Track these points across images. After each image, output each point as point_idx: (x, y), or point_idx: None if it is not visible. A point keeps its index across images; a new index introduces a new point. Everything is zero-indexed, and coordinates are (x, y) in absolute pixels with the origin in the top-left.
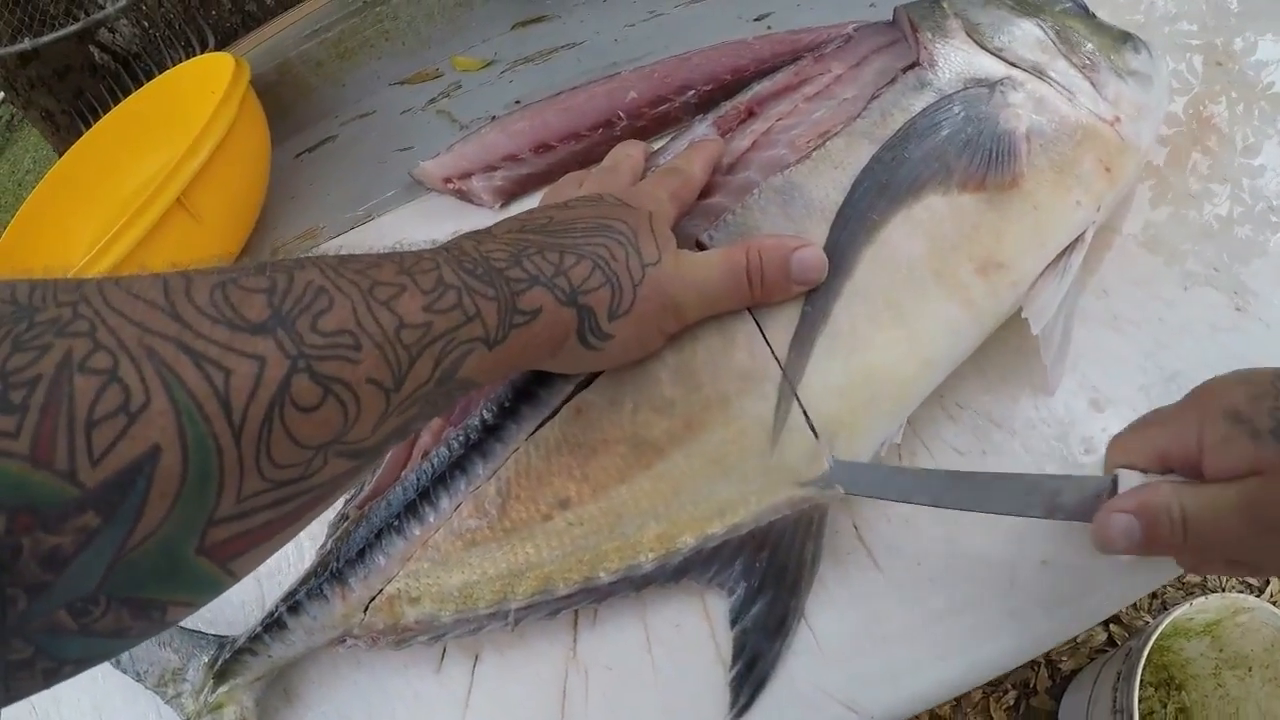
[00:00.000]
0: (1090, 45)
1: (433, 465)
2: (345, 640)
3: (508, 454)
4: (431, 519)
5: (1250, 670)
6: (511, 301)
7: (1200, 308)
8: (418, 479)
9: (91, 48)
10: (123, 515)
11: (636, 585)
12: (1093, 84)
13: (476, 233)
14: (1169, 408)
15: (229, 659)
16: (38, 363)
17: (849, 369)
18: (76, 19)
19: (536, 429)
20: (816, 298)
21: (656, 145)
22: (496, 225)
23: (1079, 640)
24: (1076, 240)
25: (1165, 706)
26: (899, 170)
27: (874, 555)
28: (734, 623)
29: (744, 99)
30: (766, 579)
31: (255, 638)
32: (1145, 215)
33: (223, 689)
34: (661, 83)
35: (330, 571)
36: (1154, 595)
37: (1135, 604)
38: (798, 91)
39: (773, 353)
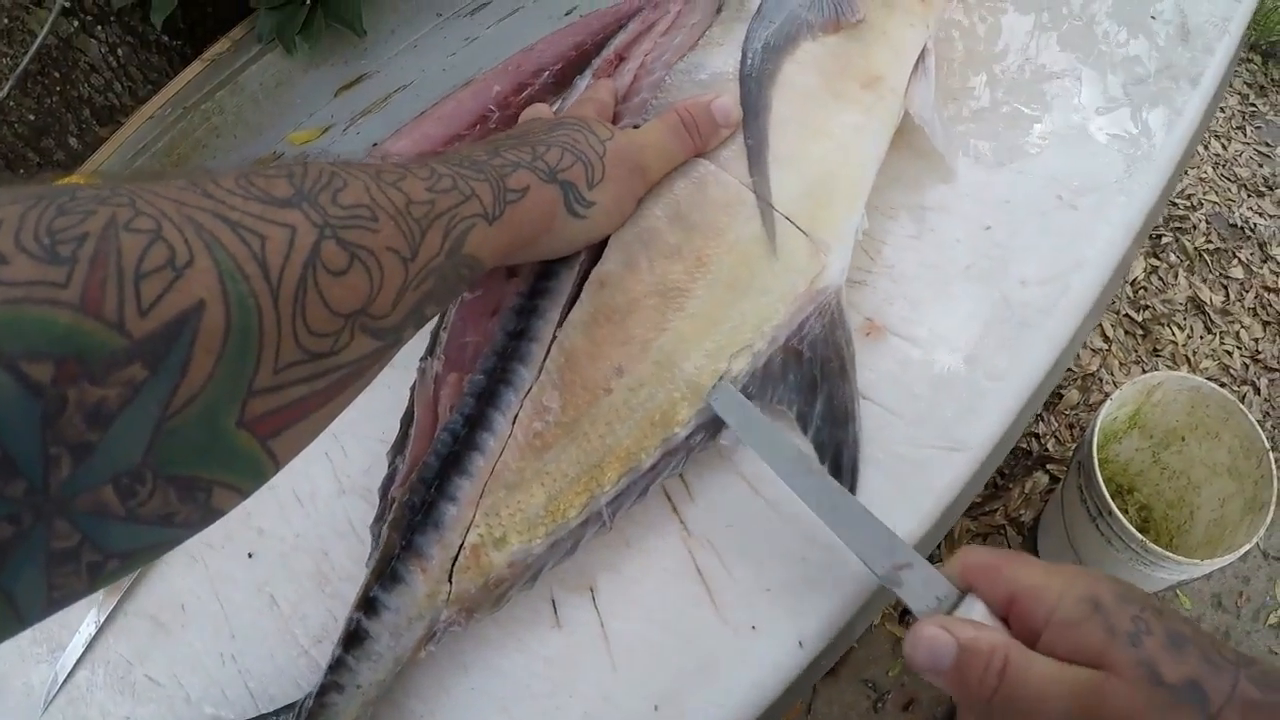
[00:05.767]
0: None
1: (473, 395)
2: (435, 634)
3: (545, 349)
4: (491, 444)
5: (1184, 439)
6: (501, 182)
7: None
8: (461, 414)
9: None
10: (168, 368)
11: (712, 430)
12: None
13: (443, 154)
14: (1037, 563)
15: (313, 709)
16: (84, 223)
17: (802, 177)
18: None
19: (564, 316)
20: (751, 133)
21: (554, 106)
22: (461, 146)
23: (1027, 490)
24: (924, 51)
25: (1126, 512)
26: (772, 32)
27: (891, 328)
28: (805, 429)
29: (609, 52)
30: (817, 375)
31: (335, 666)
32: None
33: None
34: (518, 72)
35: (397, 553)
36: (1071, 424)
37: (1059, 438)
38: (651, 31)
39: (738, 181)
